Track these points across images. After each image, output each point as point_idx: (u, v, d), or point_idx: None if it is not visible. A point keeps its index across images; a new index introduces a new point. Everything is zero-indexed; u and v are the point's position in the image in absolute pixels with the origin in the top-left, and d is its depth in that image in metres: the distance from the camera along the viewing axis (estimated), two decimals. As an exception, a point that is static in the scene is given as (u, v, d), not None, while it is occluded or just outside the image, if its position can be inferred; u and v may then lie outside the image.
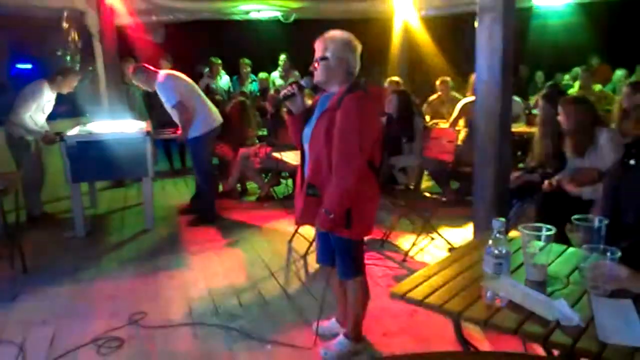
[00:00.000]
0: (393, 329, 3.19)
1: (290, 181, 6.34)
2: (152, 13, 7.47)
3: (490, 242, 1.81)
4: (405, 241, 4.70)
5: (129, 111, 6.77)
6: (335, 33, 2.62)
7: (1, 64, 8.62)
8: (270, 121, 6.57)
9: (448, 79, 7.46)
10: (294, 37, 8.79)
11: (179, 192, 7.00)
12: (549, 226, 1.90)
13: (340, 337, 2.94)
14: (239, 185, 6.60)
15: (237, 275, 4.13)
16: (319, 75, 2.61)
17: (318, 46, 2.61)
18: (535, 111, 5.86)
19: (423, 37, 8.62)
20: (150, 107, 7.02)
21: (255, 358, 2.95)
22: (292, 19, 8.30)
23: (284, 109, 2.78)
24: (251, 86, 8.71)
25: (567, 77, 9.36)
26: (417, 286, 1.92)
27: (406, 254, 4.36)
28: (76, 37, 7.07)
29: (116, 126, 5.67)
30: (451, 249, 4.42)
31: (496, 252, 1.79)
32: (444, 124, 6.49)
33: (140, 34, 7.70)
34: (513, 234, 2.34)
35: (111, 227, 5.51)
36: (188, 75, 5.39)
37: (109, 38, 6.89)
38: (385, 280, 3.92)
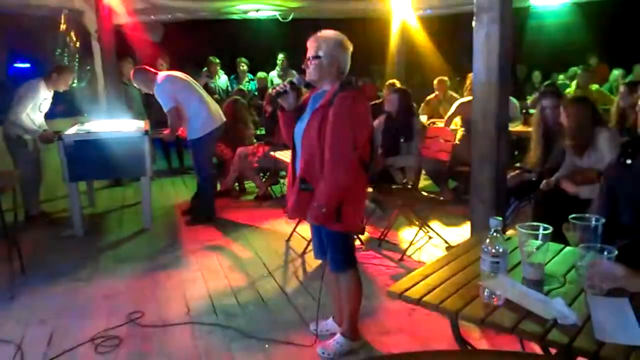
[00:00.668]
0: (391, 328, 3.19)
1: (288, 180, 6.33)
2: (150, 12, 7.46)
3: (487, 241, 1.82)
4: (402, 240, 4.71)
5: (127, 110, 6.77)
6: (328, 32, 2.70)
7: (-1, 63, 8.63)
8: (269, 120, 6.57)
9: (445, 78, 7.49)
10: (292, 37, 8.78)
11: (177, 191, 7.01)
12: (545, 225, 1.91)
13: (338, 336, 2.95)
14: (237, 184, 6.61)
15: (235, 275, 4.13)
16: (311, 73, 2.68)
17: (311, 45, 2.67)
18: (532, 111, 5.87)
19: (421, 37, 8.63)
20: (149, 106, 7.01)
21: (253, 357, 2.95)
22: (290, 18, 8.30)
23: (276, 106, 2.84)
24: (249, 85, 8.71)
25: (562, 77, 9.38)
26: (414, 285, 1.92)
27: (404, 253, 4.37)
28: (74, 37, 7.07)
29: (114, 125, 5.67)
30: (448, 248, 4.44)
31: (493, 251, 1.80)
32: (441, 124, 6.51)
33: (138, 34, 7.69)
34: (510, 232, 2.35)
35: (109, 226, 5.51)
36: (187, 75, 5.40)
37: (107, 37, 6.88)
38: (383, 279, 3.92)
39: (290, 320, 3.35)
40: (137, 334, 3.22)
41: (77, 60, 7.19)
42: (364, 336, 3.02)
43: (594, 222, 1.99)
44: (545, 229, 1.90)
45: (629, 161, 2.33)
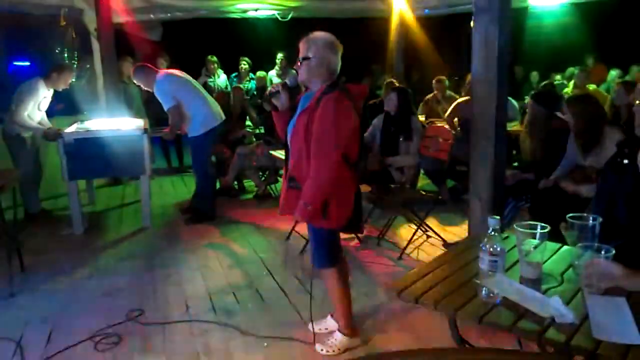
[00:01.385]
0: (389, 326, 3.21)
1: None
2: (149, 11, 7.47)
3: (485, 239, 1.83)
4: (401, 239, 4.72)
5: (127, 109, 6.76)
6: (319, 34, 2.74)
7: (-1, 61, 8.62)
8: (268, 119, 6.58)
9: (444, 78, 7.49)
10: (292, 36, 8.79)
11: (177, 190, 7.01)
12: (543, 224, 1.92)
13: (336, 333, 2.98)
14: (236, 183, 6.62)
15: (234, 273, 4.14)
16: (301, 74, 2.73)
17: (302, 46, 2.72)
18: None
19: (420, 37, 8.65)
20: (148, 104, 7.01)
21: (252, 355, 2.96)
22: (289, 17, 8.31)
23: (272, 106, 2.89)
24: (249, 84, 8.71)
25: (558, 77, 9.38)
26: (413, 283, 1.93)
27: (402, 252, 4.38)
28: (74, 35, 7.07)
29: (114, 124, 5.66)
30: (447, 246, 4.45)
31: (491, 249, 1.81)
32: (440, 123, 6.51)
33: (138, 32, 7.69)
34: (508, 231, 2.37)
35: (109, 224, 5.52)
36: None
37: (107, 36, 6.87)
38: (382, 278, 3.94)
39: (289, 318, 3.36)
40: (137, 331, 3.23)
41: (76, 58, 7.19)
42: (362, 333, 3.04)
43: (591, 222, 2.00)
44: (542, 228, 1.91)
45: (625, 161, 2.34)
